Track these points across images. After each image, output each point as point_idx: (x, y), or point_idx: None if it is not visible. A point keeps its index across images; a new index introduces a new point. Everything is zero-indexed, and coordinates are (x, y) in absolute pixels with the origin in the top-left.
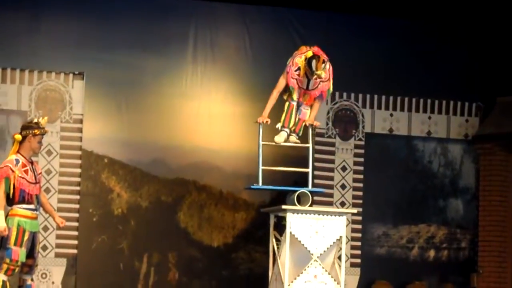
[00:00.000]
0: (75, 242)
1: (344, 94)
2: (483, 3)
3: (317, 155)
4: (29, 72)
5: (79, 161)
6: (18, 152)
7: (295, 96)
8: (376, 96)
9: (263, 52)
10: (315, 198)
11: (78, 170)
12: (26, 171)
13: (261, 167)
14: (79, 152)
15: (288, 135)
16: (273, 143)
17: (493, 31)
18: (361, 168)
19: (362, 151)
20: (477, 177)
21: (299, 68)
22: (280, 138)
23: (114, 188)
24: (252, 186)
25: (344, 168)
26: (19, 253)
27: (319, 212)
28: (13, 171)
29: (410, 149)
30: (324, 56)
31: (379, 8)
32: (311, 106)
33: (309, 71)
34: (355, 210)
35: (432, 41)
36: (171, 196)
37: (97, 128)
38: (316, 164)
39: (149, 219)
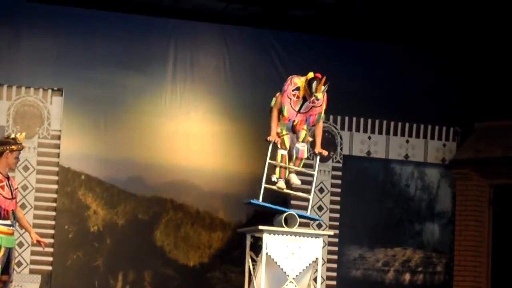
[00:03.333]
0: (50, 258)
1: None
2: (461, 29)
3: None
4: (7, 87)
5: (56, 177)
6: None
7: (287, 143)
8: (354, 119)
9: (242, 73)
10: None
11: (55, 186)
12: (2, 187)
13: (263, 185)
14: (56, 168)
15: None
16: (275, 188)
17: (472, 57)
18: (339, 190)
19: (339, 173)
20: (453, 202)
21: (297, 88)
22: (282, 184)
23: (90, 205)
24: (252, 201)
25: (321, 190)
26: None
27: (295, 234)
28: None
29: (388, 172)
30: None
31: (359, 32)
32: (307, 142)
33: (308, 92)
34: (331, 232)
35: (411, 65)
36: (148, 214)
37: (75, 145)
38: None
39: (125, 237)
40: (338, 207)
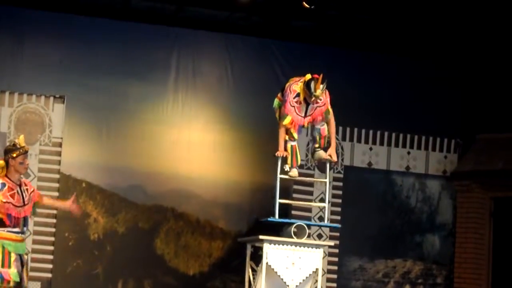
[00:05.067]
0: (50, 266)
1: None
2: (463, 41)
3: (295, 187)
4: (9, 94)
5: (57, 185)
6: (6, 175)
7: (295, 135)
8: (356, 130)
9: (244, 82)
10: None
11: (56, 194)
12: (12, 195)
13: (277, 200)
14: (57, 176)
15: (315, 151)
16: (287, 176)
17: (474, 70)
18: (339, 201)
19: (340, 184)
20: (454, 214)
21: (298, 95)
22: (294, 173)
23: (91, 213)
24: (269, 219)
25: (322, 200)
26: (10, 273)
27: (296, 244)
28: None
29: (389, 184)
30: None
31: (361, 43)
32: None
33: (307, 93)
34: (332, 243)
35: (413, 77)
36: (148, 222)
37: (76, 152)
38: (294, 195)
39: (125, 245)
40: (338, 217)
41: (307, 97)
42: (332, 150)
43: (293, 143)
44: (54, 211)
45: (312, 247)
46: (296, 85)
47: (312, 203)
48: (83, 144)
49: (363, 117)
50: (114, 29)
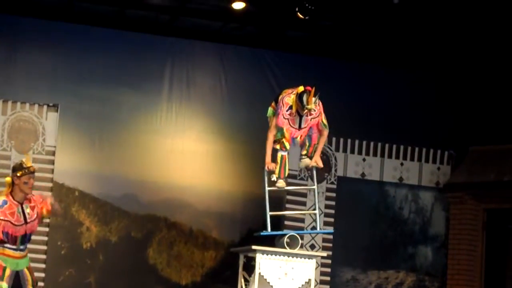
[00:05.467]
0: (42, 274)
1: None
2: (456, 54)
3: (288, 197)
4: (3, 102)
5: (49, 193)
6: (10, 193)
7: (287, 145)
8: (349, 140)
9: (238, 92)
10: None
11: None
12: (12, 213)
13: (268, 213)
14: (50, 184)
15: (300, 159)
16: (275, 188)
17: (467, 81)
18: (332, 211)
19: (333, 194)
20: (447, 225)
21: (290, 107)
22: (281, 184)
23: (84, 222)
24: (262, 233)
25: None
26: (1, 286)
27: (288, 254)
28: None
29: (382, 195)
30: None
31: (355, 54)
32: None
33: (300, 106)
34: (324, 254)
35: (406, 88)
36: (141, 232)
37: (69, 161)
38: (287, 206)
39: (118, 254)
40: (331, 228)
41: (300, 110)
42: (317, 157)
43: (284, 153)
44: (47, 219)
45: (305, 258)
46: (288, 98)
47: (303, 211)
48: (77, 153)
49: (356, 128)
50: (109, 38)
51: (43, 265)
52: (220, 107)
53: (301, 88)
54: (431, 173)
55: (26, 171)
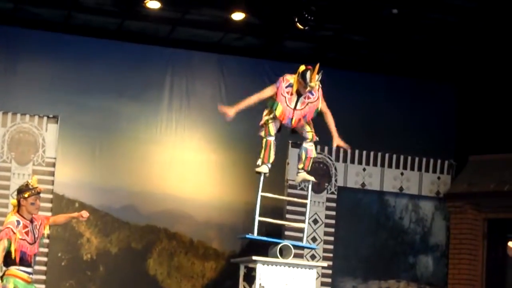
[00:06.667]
0: (43, 286)
1: (318, 147)
2: (458, 63)
3: (288, 207)
4: (3, 113)
5: (50, 205)
6: (18, 212)
7: (272, 130)
8: (349, 150)
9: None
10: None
11: (49, 214)
12: (27, 232)
13: (257, 218)
14: (50, 196)
15: (297, 173)
16: (256, 171)
17: (467, 91)
18: (333, 221)
19: (334, 204)
20: (447, 235)
21: (290, 85)
22: (263, 169)
23: (84, 233)
24: (247, 236)
25: (315, 221)
26: None
27: (289, 265)
28: (14, 233)
29: (382, 205)
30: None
31: (355, 64)
32: (314, 142)
33: (303, 84)
34: (325, 264)
35: (406, 98)
36: (141, 243)
37: (70, 172)
38: (288, 216)
39: (118, 265)
40: (332, 238)
41: (301, 88)
42: (336, 138)
43: (269, 139)
44: (48, 231)
45: (305, 268)
46: (290, 76)
47: (290, 223)
48: (77, 164)
49: (356, 138)
50: (108, 49)
51: (43, 277)
52: (220, 117)
53: (302, 67)
54: (431, 183)
55: (33, 191)
